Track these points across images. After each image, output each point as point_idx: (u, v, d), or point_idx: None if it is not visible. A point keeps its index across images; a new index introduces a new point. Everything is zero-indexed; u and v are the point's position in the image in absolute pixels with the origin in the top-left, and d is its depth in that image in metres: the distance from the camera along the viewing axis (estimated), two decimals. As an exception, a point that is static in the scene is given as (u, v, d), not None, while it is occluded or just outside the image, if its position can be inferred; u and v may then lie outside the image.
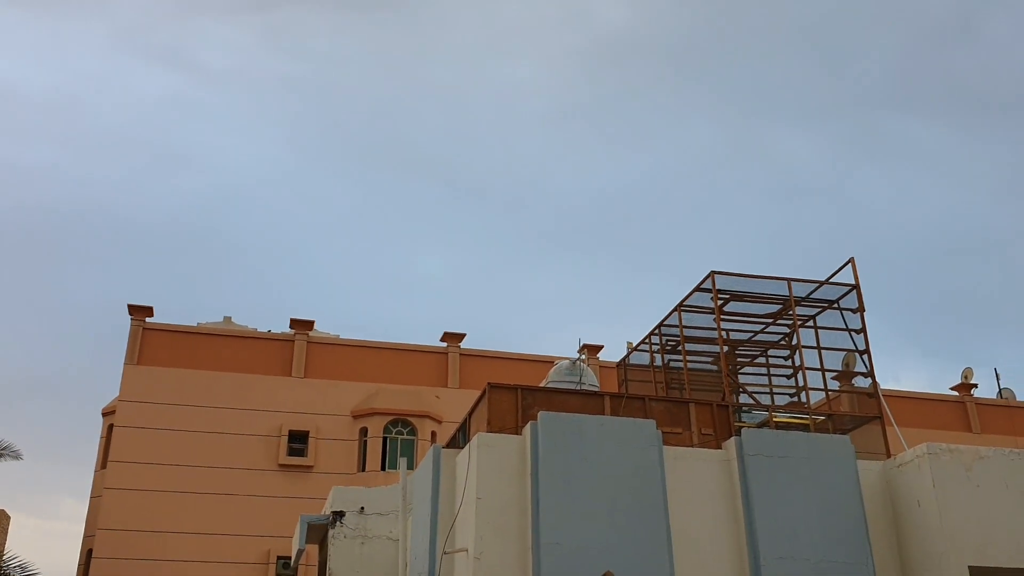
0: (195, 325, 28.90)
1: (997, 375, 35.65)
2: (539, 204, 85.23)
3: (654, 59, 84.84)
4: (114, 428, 26.26)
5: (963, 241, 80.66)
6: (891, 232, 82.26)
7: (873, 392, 14.71)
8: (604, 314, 79.94)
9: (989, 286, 78.66)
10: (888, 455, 13.95)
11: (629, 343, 24.46)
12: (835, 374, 15.61)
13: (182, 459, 25.74)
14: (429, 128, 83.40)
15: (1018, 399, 34.51)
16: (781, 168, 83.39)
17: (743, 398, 15.37)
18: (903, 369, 75.64)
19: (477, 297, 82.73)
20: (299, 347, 27.88)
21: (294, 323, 28.37)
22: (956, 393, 32.61)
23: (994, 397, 34.26)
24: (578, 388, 14.87)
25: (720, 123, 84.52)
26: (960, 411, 31.98)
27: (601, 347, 30.04)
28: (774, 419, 14.40)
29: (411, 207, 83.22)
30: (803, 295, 15.23)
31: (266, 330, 30.03)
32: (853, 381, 15.69)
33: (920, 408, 31.33)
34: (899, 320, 79.85)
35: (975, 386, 32.75)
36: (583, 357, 29.60)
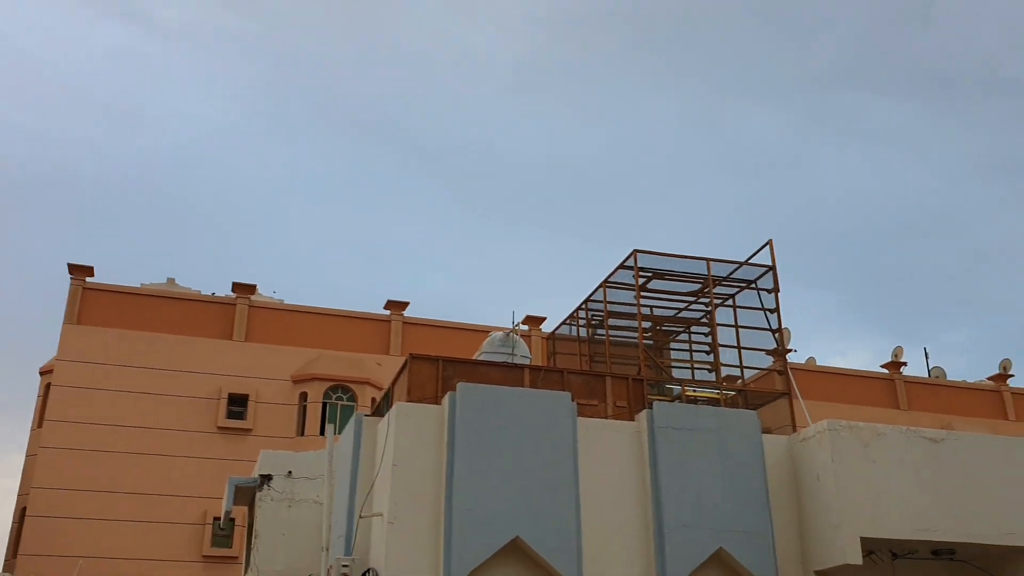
0: (137, 286, 28.83)
1: (927, 354, 36.85)
2: (497, 173, 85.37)
3: (617, 30, 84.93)
4: (51, 387, 26.21)
5: (918, 220, 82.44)
6: (847, 209, 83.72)
7: (783, 369, 15.30)
8: (558, 286, 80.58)
9: (940, 266, 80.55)
10: (794, 430, 14.56)
11: (569, 315, 24.92)
12: (766, 351, 16.18)
13: (119, 419, 25.80)
14: (386, 92, 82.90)
15: (948, 378, 35.69)
16: (741, 143, 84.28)
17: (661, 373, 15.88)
18: (851, 346, 77.39)
19: (429, 265, 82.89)
20: (240, 311, 27.97)
21: (236, 287, 28.42)
22: (886, 371, 33.63)
23: (924, 376, 35.39)
24: (510, 360, 15.27)
25: (681, 96, 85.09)
26: (889, 388, 33.01)
27: (544, 319, 30.50)
28: (686, 393, 14.93)
29: (364, 172, 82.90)
30: (723, 275, 15.74)
31: (209, 293, 30.05)
32: (787, 357, 16.25)
33: (851, 385, 32.32)
34: (850, 296, 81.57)
35: (905, 364, 33.80)
36: (523, 328, 29.91)
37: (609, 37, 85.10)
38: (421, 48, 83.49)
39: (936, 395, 33.52)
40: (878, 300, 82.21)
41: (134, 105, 79.72)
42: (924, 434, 13.51)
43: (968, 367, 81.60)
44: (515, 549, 11.84)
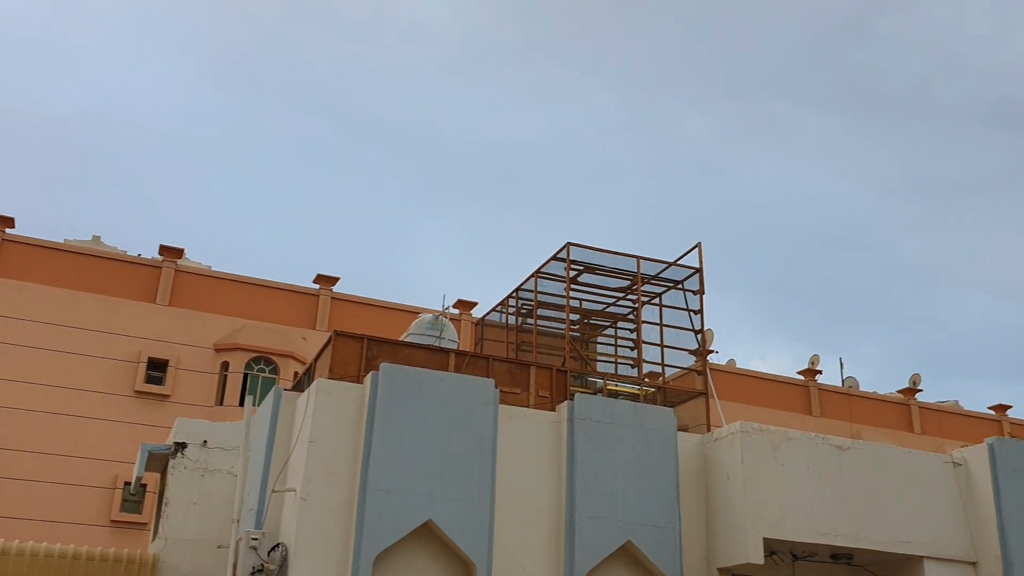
0: (61, 242, 28.06)
1: (842, 364, 37.94)
2: (436, 151, 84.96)
3: (563, 16, 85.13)
4: (-38, 340, 25.37)
5: (840, 233, 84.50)
6: (772, 217, 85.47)
7: (703, 370, 15.63)
8: (489, 269, 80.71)
9: (859, 278, 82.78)
10: (709, 430, 14.90)
11: (500, 302, 25.05)
12: (688, 350, 16.51)
13: (34, 377, 25.09)
14: (326, 62, 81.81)
15: (861, 389, 36.81)
16: (673, 142, 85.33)
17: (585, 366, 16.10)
18: (771, 350, 79.19)
19: (362, 240, 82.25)
20: (166, 274, 27.40)
21: (164, 250, 27.83)
22: (802, 377, 34.53)
23: (838, 384, 36.44)
24: (437, 343, 15.30)
25: (619, 90, 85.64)
26: (804, 394, 33.91)
27: (475, 304, 30.54)
28: (608, 387, 15.17)
29: (302, 141, 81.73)
30: (652, 274, 15.99)
31: (136, 254, 29.39)
32: (708, 358, 16.61)
33: (768, 389, 33.11)
34: (771, 301, 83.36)
35: (820, 372, 34.75)
36: (453, 311, 29.95)
37: (555, 23, 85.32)
38: (367, 18, 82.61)
39: (848, 404, 34.54)
40: (798, 307, 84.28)
41: (68, 54, 77.33)
42: (831, 441, 13.96)
43: (880, 379, 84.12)
44: (427, 532, 11.92)
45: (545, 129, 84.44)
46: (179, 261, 27.96)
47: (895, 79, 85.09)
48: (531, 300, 16.85)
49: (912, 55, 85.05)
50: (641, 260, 15.72)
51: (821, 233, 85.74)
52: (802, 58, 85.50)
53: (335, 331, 13.14)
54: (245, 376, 26.79)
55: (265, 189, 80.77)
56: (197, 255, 30.83)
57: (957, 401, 38.32)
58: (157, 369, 26.43)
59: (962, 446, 16.46)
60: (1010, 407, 37.37)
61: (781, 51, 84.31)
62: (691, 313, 15.81)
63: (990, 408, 37.47)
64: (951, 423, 35.94)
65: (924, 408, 36.06)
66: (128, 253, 28.95)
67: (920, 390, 36.47)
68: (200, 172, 79.71)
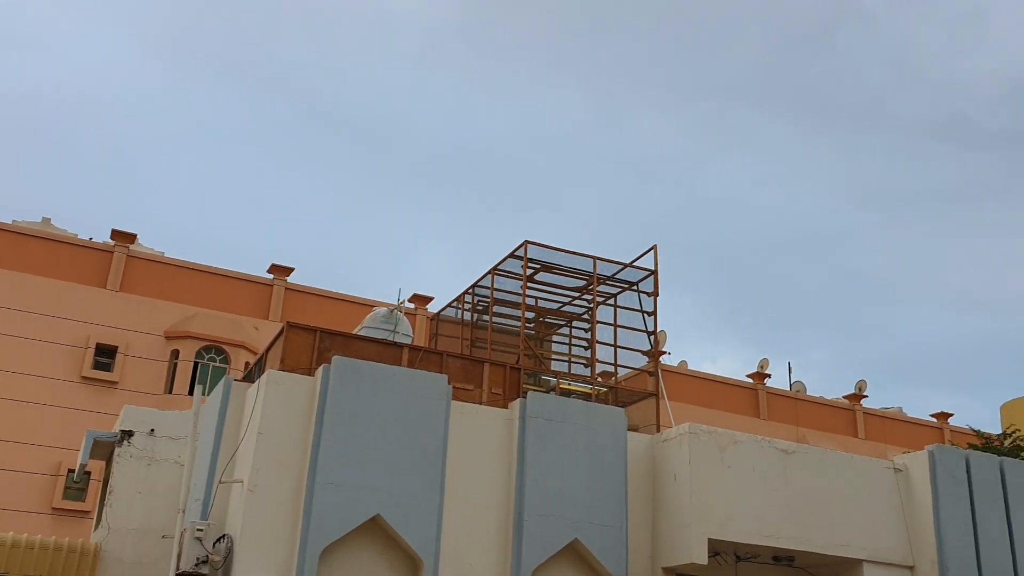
0: (9, 223, 27.49)
1: (790, 368, 38.53)
2: (397, 144, 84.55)
3: (528, 12, 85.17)
4: (-97, 320, 24.76)
5: (794, 239, 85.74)
6: (728, 221, 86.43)
7: (654, 371, 15.80)
8: (450, 264, 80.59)
9: (812, 284, 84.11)
10: (659, 430, 15.06)
11: (455, 298, 25.08)
12: (641, 351, 16.66)
13: (-24, 360, 24.60)
14: (293, 51, 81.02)
15: (808, 393, 37.42)
16: (634, 145, 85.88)
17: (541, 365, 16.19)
18: (722, 353, 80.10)
19: (317, 230, 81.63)
20: (118, 259, 26.98)
21: (116, 234, 27.41)
22: (751, 380, 35.02)
23: (786, 388, 37.00)
24: (391, 337, 15.26)
25: (584, 90, 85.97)
26: (752, 397, 34.40)
27: (431, 299, 30.49)
28: (561, 386, 15.26)
29: (263, 129, 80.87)
30: (607, 274, 16.12)
31: (87, 238, 28.89)
32: (660, 359, 16.79)
33: (717, 391, 33.54)
34: (724, 304, 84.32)
35: (769, 376, 35.27)
36: (408, 306, 29.91)
37: (522, 19, 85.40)
38: (331, 6, 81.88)
39: (795, 408, 35.11)
40: (750, 311, 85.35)
41: (24, 26, 75.57)
42: (777, 445, 14.18)
43: (827, 384, 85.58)
44: (375, 527, 11.90)
45: (507, 125, 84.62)
46: (131, 246, 27.56)
47: (853, 90, 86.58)
48: (487, 297, 16.90)
49: (870, 67, 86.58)
50: (597, 260, 15.83)
51: (776, 239, 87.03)
52: (764, 66, 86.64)
53: (287, 322, 13.06)
54: (195, 365, 26.49)
55: (223, 176, 79.86)
56: (150, 241, 30.45)
57: (900, 408, 39.16)
58: (105, 355, 26.03)
59: (904, 452, 16.83)
60: (951, 415, 38.26)
61: (743, 58, 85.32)
62: (645, 314, 15.97)
63: (932, 416, 38.32)
64: (894, 429, 36.70)
65: (868, 414, 36.78)
66: (79, 236, 28.43)
67: (865, 396, 37.18)
68: (156, 156, 78.57)
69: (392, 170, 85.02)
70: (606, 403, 15.24)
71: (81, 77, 77.01)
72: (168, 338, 26.66)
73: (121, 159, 75.76)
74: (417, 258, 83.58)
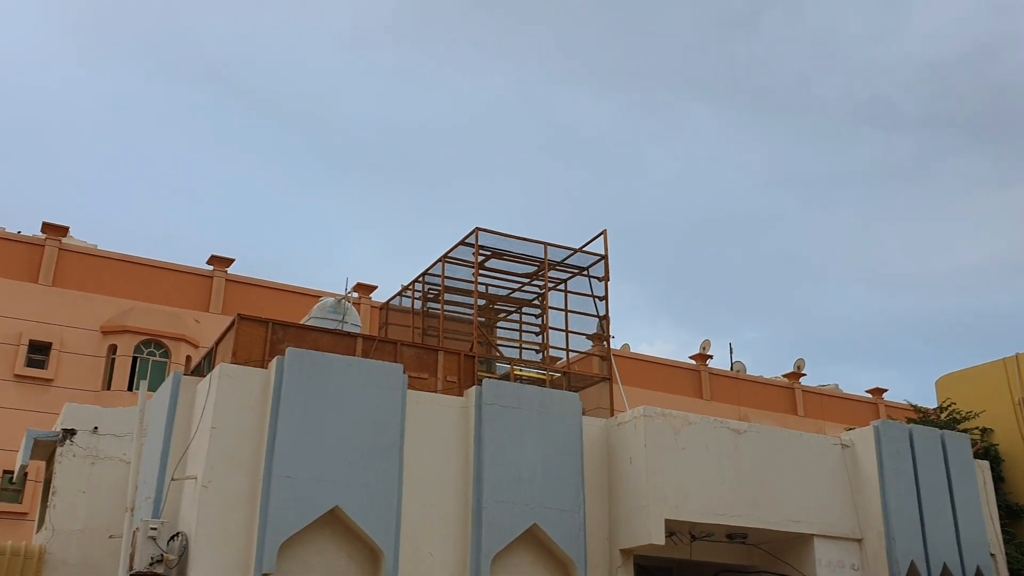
0: (-68, 217, 26.49)
1: (731, 349, 39.19)
2: (326, 128, 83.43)
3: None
4: None
5: (724, 221, 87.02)
6: (660, 204, 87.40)
7: (606, 355, 15.89)
8: (386, 252, 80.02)
9: (742, 266, 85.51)
10: (612, 414, 15.16)
11: (404, 286, 24.85)
12: (588, 335, 16.73)
13: (-99, 360, 23.66)
14: (217, 33, 79.35)
15: (748, 373, 38.11)
16: (568, 129, 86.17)
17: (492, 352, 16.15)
18: (657, 335, 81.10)
19: (253, 218, 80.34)
20: (49, 253, 26.17)
21: (47, 227, 26.57)
22: (694, 362, 35.51)
23: (727, 369, 37.63)
24: (340, 327, 15.07)
25: (513, 74, 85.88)
26: (695, 379, 34.90)
27: (375, 287, 30.23)
28: (515, 373, 15.25)
29: (188, 113, 79.04)
30: (558, 260, 16.13)
31: (16, 231, 27.93)
32: (603, 343, 16.86)
33: (661, 373, 33.93)
34: (657, 287, 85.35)
35: (711, 357, 35.81)
36: (354, 295, 29.57)
37: (448, 2, 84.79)
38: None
39: (736, 388, 35.73)
40: (684, 294, 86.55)
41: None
42: (729, 425, 14.39)
43: (761, 364, 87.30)
44: (333, 519, 11.77)
45: (440, 109, 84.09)
46: (63, 239, 26.75)
47: (778, 74, 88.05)
48: (437, 285, 16.79)
49: (794, 51, 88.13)
50: (548, 246, 15.82)
51: (707, 222, 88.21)
52: (692, 49, 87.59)
53: (239, 315, 12.80)
54: (134, 359, 25.87)
55: (150, 164, 77.84)
56: (83, 234, 29.58)
57: (837, 385, 40.10)
58: (39, 352, 25.25)
59: (846, 428, 17.23)
60: (886, 390, 39.34)
61: (672, 42, 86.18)
62: (595, 299, 16.02)
63: (867, 392, 39.35)
64: (831, 406, 37.60)
65: (807, 392, 37.58)
66: (7, 230, 27.49)
67: (804, 374, 38.00)
68: (80, 145, 76.30)
69: (323, 155, 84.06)
70: (560, 388, 15.27)
71: (3, 59, 74.32)
72: (105, 333, 25.97)
73: (42, 148, 73.45)
74: (350, 245, 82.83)
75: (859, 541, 14.64)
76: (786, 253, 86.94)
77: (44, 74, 74.85)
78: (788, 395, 37.20)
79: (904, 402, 26.86)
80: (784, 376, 38.07)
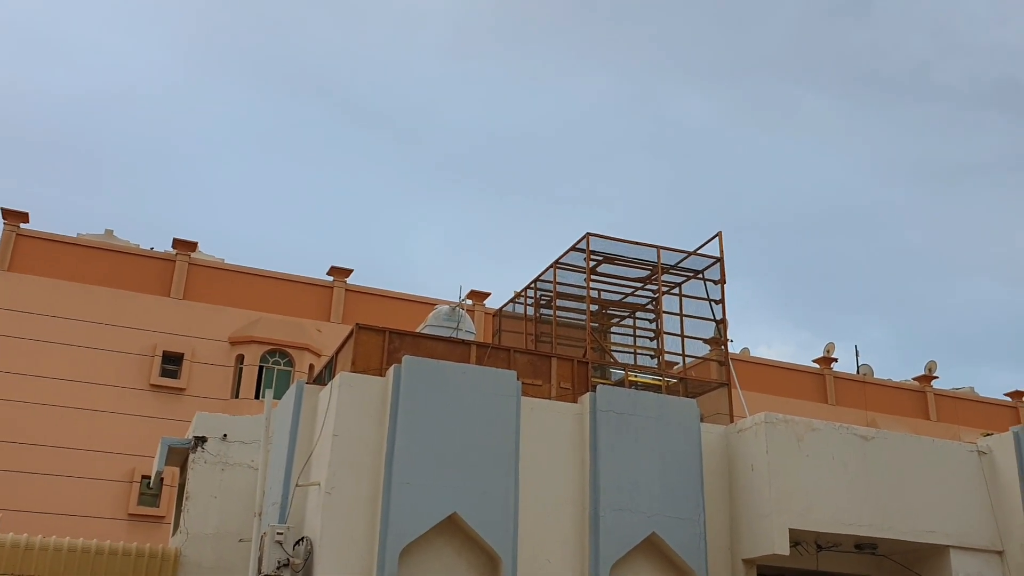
0: (74, 236, 28.09)
1: (857, 352, 37.81)
2: (433, 138, 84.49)
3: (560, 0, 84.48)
4: (-22, 335, 25.41)
5: (843, 215, 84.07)
6: (775, 200, 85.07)
7: (724, 360, 15.54)
8: (496, 259, 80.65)
9: (863, 263, 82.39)
10: (732, 420, 14.81)
11: (516, 292, 25.03)
12: (705, 340, 16.41)
13: (50, 371, 25.13)
14: (324, 47, 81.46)
15: (875, 376, 36.67)
16: (673, 125, 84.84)
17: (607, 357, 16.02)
18: (776, 337, 78.94)
19: (369, 229, 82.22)
20: (180, 268, 27.40)
21: (177, 243, 27.84)
22: (817, 365, 34.41)
23: (853, 372, 36.31)
24: (454, 335, 15.24)
25: (617, 72, 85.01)
26: (819, 383, 33.79)
27: (488, 294, 30.48)
28: (630, 378, 15.09)
29: (300, 129, 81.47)
30: (671, 263, 15.89)
31: (149, 247, 29.38)
32: (721, 348, 16.51)
33: (782, 377, 32.99)
34: (775, 286, 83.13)
35: (835, 360, 34.62)
36: (467, 303, 29.94)
37: (549, 6, 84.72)
38: (361, 3, 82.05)
39: (863, 392, 34.40)
40: (803, 293, 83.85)
41: (60, 42, 76.98)
42: (855, 431, 13.86)
43: (887, 365, 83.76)
44: (451, 525, 11.88)
45: (545, 114, 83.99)
46: (192, 254, 27.96)
47: (896, 60, 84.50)
48: (549, 291, 16.77)
49: (912, 36, 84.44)
50: (661, 250, 15.60)
51: (823, 216, 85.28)
52: (802, 38, 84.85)
53: (357, 324, 13.09)
54: (260, 369, 26.80)
55: (271, 179, 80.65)
56: (210, 248, 30.84)
57: (972, 388, 38.17)
58: (172, 363, 26.46)
59: (985, 434, 16.35)
60: (1026, 393, 37.20)
61: (780, 31, 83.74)
62: (711, 302, 15.70)
63: (1006, 394, 37.31)
64: (966, 410, 35.79)
65: (940, 395, 35.90)
66: (141, 247, 28.94)
67: (936, 377, 36.31)
68: (207, 162, 79.70)
69: (432, 165, 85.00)
70: (676, 394, 15.02)
71: (126, 90, 78.33)
72: (233, 343, 27.02)
73: (169, 168, 76.98)
74: (463, 253, 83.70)
75: (1000, 554, 13.86)
76: (911, 248, 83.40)
77: (165, 98, 78.56)
78: (919, 399, 35.60)
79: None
80: (914, 379, 36.47)
